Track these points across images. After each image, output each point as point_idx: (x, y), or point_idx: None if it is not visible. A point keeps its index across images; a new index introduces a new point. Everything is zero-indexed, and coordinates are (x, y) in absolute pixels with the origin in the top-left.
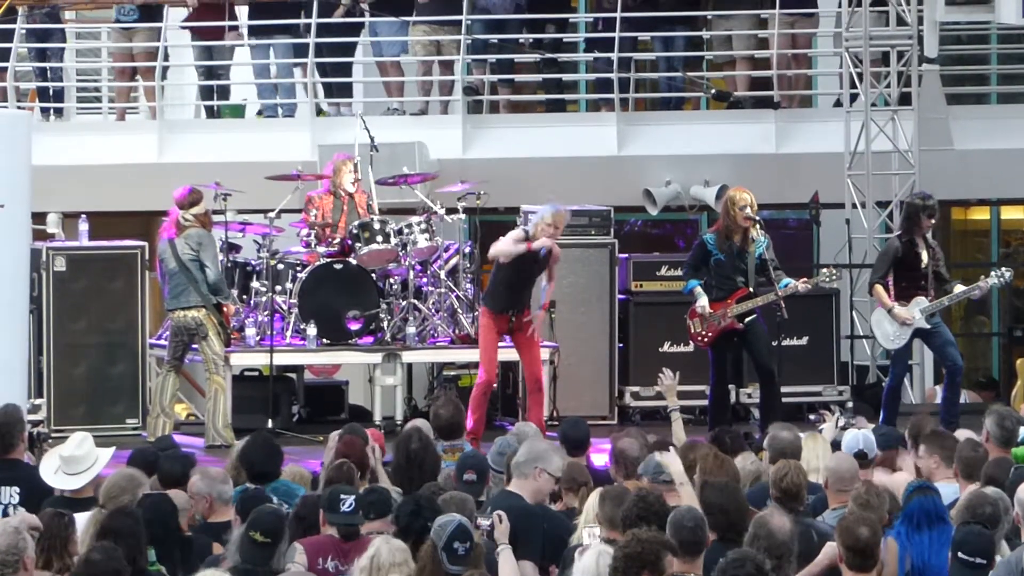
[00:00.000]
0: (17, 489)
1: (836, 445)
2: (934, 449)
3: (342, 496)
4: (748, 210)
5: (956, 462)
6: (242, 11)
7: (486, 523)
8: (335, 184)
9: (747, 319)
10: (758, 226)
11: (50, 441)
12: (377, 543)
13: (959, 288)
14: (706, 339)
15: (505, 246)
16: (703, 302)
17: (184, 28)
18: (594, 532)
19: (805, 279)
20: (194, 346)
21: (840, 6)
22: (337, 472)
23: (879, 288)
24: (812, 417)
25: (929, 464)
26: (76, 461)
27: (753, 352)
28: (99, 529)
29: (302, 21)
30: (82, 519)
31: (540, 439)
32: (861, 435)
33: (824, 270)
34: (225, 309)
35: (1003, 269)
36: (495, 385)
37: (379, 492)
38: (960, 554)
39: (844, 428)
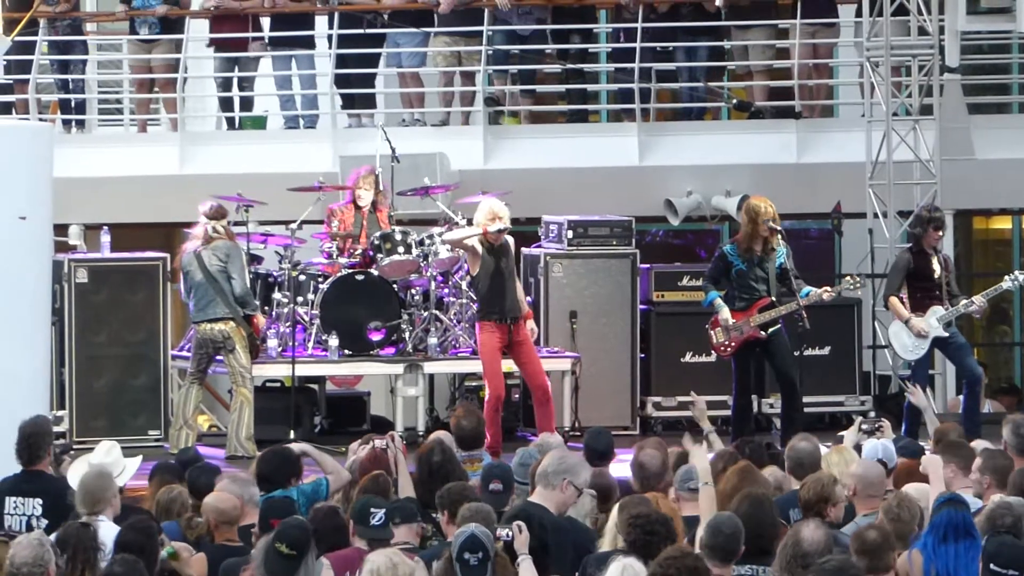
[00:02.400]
0: (40, 501)
1: (857, 451)
2: (950, 458)
3: (372, 509)
4: (771, 222)
5: (989, 472)
6: (264, 22)
7: (505, 533)
8: (356, 196)
9: (770, 329)
10: (779, 236)
11: (72, 453)
12: (371, 557)
13: (964, 302)
14: (729, 349)
15: (458, 232)
16: (725, 313)
17: (208, 39)
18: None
19: (828, 288)
20: (218, 358)
21: (861, 16)
22: (373, 483)
23: (894, 300)
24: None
25: (947, 473)
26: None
27: (775, 362)
28: (116, 544)
29: (325, 32)
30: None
31: (569, 452)
32: (881, 444)
33: (847, 278)
34: (255, 320)
35: (1017, 272)
36: (516, 397)
37: (406, 498)
38: (992, 566)
39: (869, 432)
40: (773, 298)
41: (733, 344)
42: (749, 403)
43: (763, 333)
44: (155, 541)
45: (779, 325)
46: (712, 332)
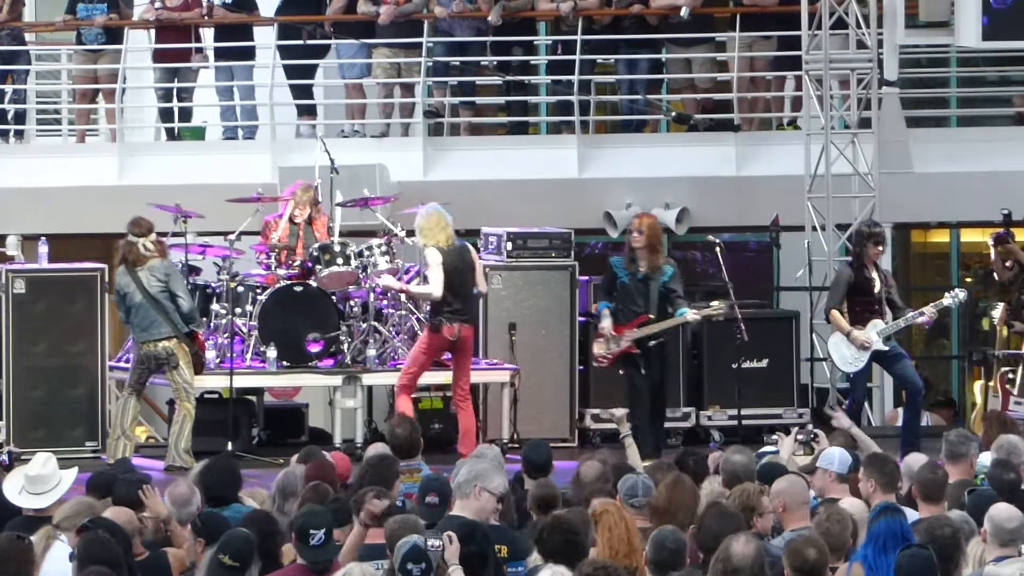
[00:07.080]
0: None
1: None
2: (872, 473)
3: (311, 531)
4: (635, 234)
5: (915, 485)
6: (206, 33)
7: (436, 544)
8: (292, 212)
9: (649, 344)
10: (665, 255)
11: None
12: (348, 568)
13: (911, 313)
14: (605, 361)
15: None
16: (606, 323)
17: (149, 50)
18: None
19: (695, 310)
20: (160, 371)
21: (800, 29)
22: (313, 493)
23: (836, 313)
24: (774, 437)
25: (867, 488)
26: (41, 481)
27: (649, 375)
28: (78, 558)
29: (269, 44)
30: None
31: (481, 460)
32: (838, 452)
33: (714, 302)
34: (198, 337)
35: (957, 290)
36: (453, 410)
37: (342, 501)
38: None
39: (805, 443)
40: (652, 315)
41: (611, 356)
42: (645, 416)
43: (637, 348)
44: (117, 550)
45: (661, 339)
46: (595, 343)
